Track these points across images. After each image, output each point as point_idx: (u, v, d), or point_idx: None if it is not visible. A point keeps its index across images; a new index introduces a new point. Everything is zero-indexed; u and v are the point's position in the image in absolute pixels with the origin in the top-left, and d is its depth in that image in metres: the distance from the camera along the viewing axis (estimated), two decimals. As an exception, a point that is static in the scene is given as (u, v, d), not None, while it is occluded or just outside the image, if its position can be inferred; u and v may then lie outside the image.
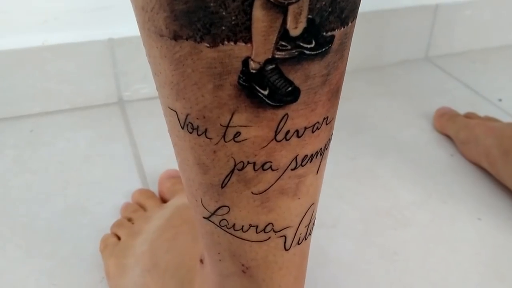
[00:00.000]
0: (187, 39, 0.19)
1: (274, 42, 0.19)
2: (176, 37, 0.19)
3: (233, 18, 0.18)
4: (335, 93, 0.22)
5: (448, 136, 0.65)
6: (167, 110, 0.23)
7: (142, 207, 0.50)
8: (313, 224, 0.27)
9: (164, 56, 0.21)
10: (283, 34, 0.19)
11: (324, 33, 0.19)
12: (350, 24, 0.20)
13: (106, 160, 0.60)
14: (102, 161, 0.60)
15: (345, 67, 0.23)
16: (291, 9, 0.18)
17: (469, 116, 0.65)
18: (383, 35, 0.81)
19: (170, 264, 0.39)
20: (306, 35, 0.19)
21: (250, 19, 0.18)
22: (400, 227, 0.52)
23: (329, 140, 0.24)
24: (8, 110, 0.65)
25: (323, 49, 0.20)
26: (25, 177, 0.57)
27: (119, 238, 0.46)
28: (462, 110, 0.68)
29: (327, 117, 0.23)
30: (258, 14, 0.18)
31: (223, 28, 0.18)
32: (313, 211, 0.26)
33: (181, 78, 0.21)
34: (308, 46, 0.19)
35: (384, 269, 0.47)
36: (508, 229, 0.52)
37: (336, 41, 0.20)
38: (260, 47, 0.19)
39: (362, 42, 0.79)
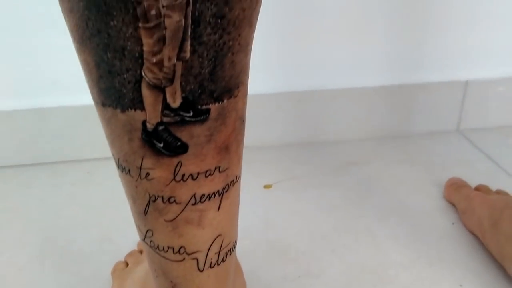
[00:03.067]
0: (109, 106, 0.28)
1: (160, 111, 0.27)
2: (104, 104, 0.29)
3: (131, 94, 0.27)
4: (224, 149, 0.30)
5: (454, 205, 0.68)
6: (112, 156, 0.32)
7: (154, 242, 0.59)
8: (227, 253, 0.34)
9: (102, 118, 0.30)
10: (166, 105, 0.27)
11: (199, 107, 0.28)
12: (226, 101, 0.28)
13: (141, 201, 0.70)
14: (138, 202, 0.70)
15: (233, 131, 0.30)
16: (168, 90, 0.27)
17: (478, 188, 0.67)
18: (411, 108, 0.85)
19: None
20: (184, 107, 0.27)
21: (141, 95, 0.27)
22: (381, 285, 0.55)
23: (228, 185, 0.32)
24: (72, 154, 0.79)
25: (201, 118, 0.28)
26: (73, 209, 0.69)
27: (127, 265, 0.55)
28: (481, 182, 0.70)
29: (219, 166, 0.30)
30: (145, 92, 0.27)
31: (126, 100, 0.27)
32: (222, 241, 0.33)
33: (111, 133, 0.30)
34: (188, 114, 0.28)
35: (352, 319, 0.51)
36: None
37: (213, 113, 0.28)
38: (151, 114, 0.27)
39: (388, 113, 0.85)
